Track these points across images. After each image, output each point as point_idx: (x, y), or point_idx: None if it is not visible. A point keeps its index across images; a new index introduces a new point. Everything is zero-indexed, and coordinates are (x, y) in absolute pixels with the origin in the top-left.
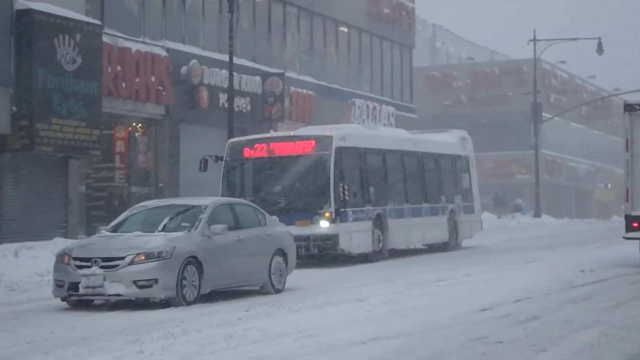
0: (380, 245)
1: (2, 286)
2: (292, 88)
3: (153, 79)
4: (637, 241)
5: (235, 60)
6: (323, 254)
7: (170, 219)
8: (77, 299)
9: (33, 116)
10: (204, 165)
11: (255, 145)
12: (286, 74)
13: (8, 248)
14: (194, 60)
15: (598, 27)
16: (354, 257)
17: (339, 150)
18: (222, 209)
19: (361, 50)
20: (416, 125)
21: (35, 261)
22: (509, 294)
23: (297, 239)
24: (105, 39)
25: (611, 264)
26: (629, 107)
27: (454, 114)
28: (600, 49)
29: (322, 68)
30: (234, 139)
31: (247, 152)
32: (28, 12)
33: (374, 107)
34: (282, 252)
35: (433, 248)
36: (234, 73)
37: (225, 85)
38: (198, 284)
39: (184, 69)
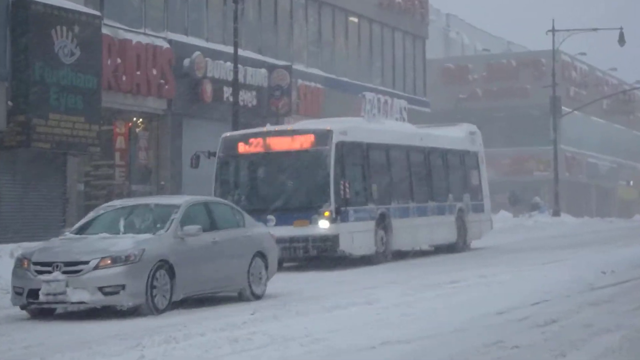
0: (384, 246)
1: None
2: (300, 81)
3: (154, 72)
4: None
5: (240, 52)
6: (323, 256)
7: (140, 219)
8: (37, 307)
9: (30, 111)
10: (195, 161)
11: (251, 140)
12: (293, 67)
13: (4, 249)
14: (197, 53)
15: (619, 17)
16: (356, 259)
17: (340, 145)
18: (197, 209)
19: (372, 41)
20: (429, 120)
21: None
22: (526, 296)
23: (295, 239)
24: (104, 30)
25: (633, 265)
26: None
27: (469, 107)
28: (622, 40)
29: (331, 60)
30: (227, 133)
31: (242, 148)
32: (24, 3)
33: (385, 101)
34: (262, 255)
35: (440, 249)
36: (239, 65)
37: (230, 78)
38: (170, 290)
39: (186, 62)
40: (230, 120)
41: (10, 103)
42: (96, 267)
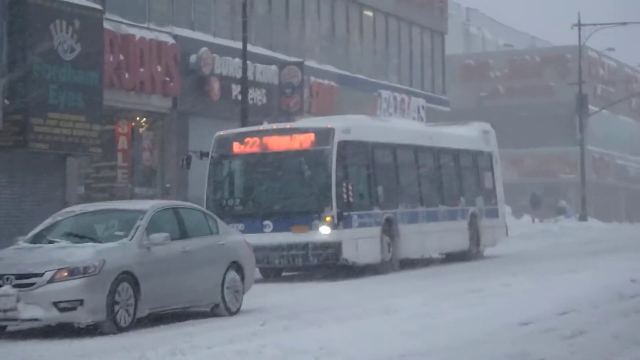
0: (391, 254)
1: None
2: (312, 78)
3: (159, 68)
4: None
5: (250, 48)
6: (323, 265)
7: (102, 226)
8: None
9: (27, 110)
10: (186, 162)
11: (246, 139)
12: (305, 63)
13: None
14: (204, 48)
15: None
16: (360, 268)
17: (342, 144)
18: (165, 215)
19: (388, 36)
20: (449, 119)
21: None
22: (552, 306)
23: (294, 247)
24: (106, 25)
25: None
26: None
27: (491, 106)
28: None
29: (345, 56)
30: (221, 132)
31: (237, 147)
32: None
33: (402, 99)
34: (237, 266)
35: (451, 258)
36: (248, 62)
37: (239, 75)
38: (134, 305)
39: (193, 58)
40: (238, 120)
41: (6, 101)
42: (51, 280)
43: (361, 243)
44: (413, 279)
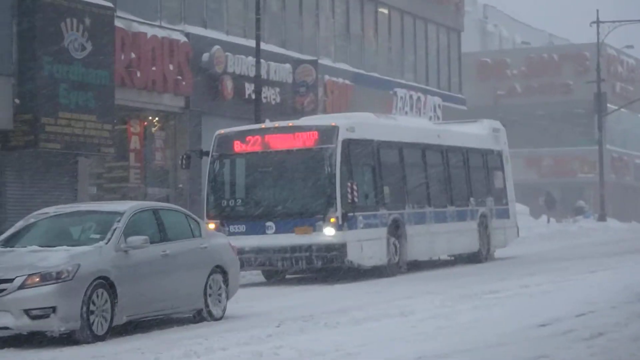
0: (397, 256)
1: None
2: (327, 77)
3: (171, 67)
4: None
5: (263, 46)
6: (328, 267)
7: (77, 229)
8: None
9: (38, 109)
10: (185, 161)
11: (248, 138)
12: (320, 61)
13: None
14: (217, 46)
15: None
16: (366, 270)
17: (347, 142)
18: (144, 217)
19: (404, 34)
20: (465, 118)
21: None
22: (570, 307)
23: (297, 249)
24: (117, 22)
25: None
26: None
27: (508, 104)
28: None
29: (359, 54)
30: (222, 130)
31: (238, 146)
32: None
33: (418, 98)
34: (221, 270)
35: (460, 260)
36: (262, 60)
37: (252, 74)
38: (110, 312)
39: (205, 56)
40: (252, 119)
41: (16, 101)
42: (22, 286)
43: (367, 245)
44: (422, 281)
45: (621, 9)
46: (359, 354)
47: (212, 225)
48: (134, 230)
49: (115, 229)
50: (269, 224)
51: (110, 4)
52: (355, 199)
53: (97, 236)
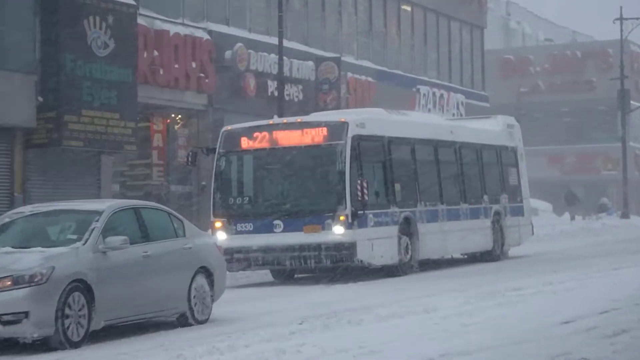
0: (409, 255)
1: None
2: (349, 74)
3: (194, 64)
4: None
5: (286, 43)
6: (337, 267)
7: (53, 229)
8: None
9: (61, 107)
10: (191, 158)
11: (255, 134)
12: (342, 59)
13: None
14: (240, 44)
15: None
16: (377, 270)
17: (357, 139)
18: (124, 216)
19: (426, 31)
20: (488, 115)
21: None
22: (593, 305)
23: (306, 247)
24: (140, 20)
25: None
26: None
27: (531, 101)
28: None
29: (382, 52)
30: (228, 127)
31: (245, 143)
32: None
33: (441, 95)
34: (206, 272)
35: (474, 258)
36: (284, 58)
37: (274, 71)
38: (87, 317)
39: (228, 54)
40: (275, 116)
41: (40, 98)
42: None
43: (377, 243)
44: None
45: None
46: (383, 351)
47: (218, 224)
48: (113, 230)
49: (93, 229)
50: (277, 222)
51: (132, 2)
52: (366, 197)
53: (74, 237)
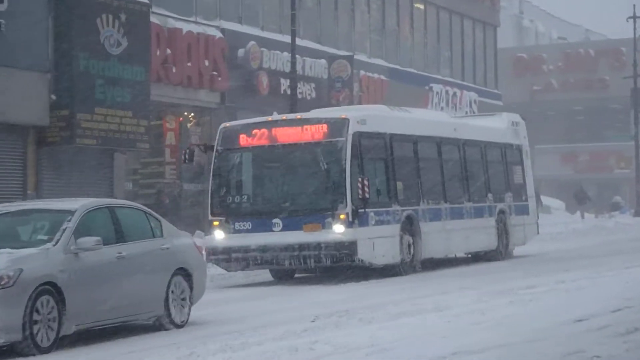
0: (411, 254)
1: None
2: (362, 72)
3: (207, 63)
4: None
5: (298, 41)
6: (338, 266)
7: (23, 230)
8: None
9: (74, 105)
10: (189, 156)
11: (254, 131)
12: (355, 57)
13: None
14: (252, 42)
15: None
16: (378, 269)
17: (358, 135)
18: (98, 215)
19: (439, 29)
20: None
21: None
22: (606, 303)
23: (306, 247)
24: (153, 18)
25: None
26: None
27: (544, 100)
28: None
29: (395, 50)
30: (227, 123)
31: (244, 140)
32: None
33: (454, 93)
34: (185, 273)
35: (478, 258)
36: (297, 56)
37: (287, 69)
38: (57, 321)
39: (241, 52)
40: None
41: (53, 97)
42: None
43: (378, 242)
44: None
45: None
46: (394, 349)
47: (216, 223)
48: (86, 231)
49: (64, 229)
50: (276, 221)
51: (146, 0)
52: (367, 195)
53: (45, 237)
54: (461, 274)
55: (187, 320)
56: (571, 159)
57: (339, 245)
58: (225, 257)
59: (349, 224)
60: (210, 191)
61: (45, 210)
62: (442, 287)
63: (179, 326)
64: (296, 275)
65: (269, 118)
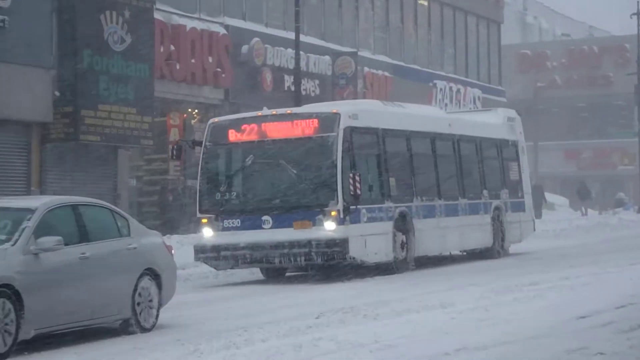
0: (405, 252)
1: None
2: (366, 69)
3: (210, 59)
4: None
5: (302, 38)
6: (329, 264)
7: None
8: None
9: (78, 102)
10: (176, 152)
11: (243, 126)
12: (359, 53)
13: None
14: (256, 39)
15: None
16: (371, 267)
17: (349, 130)
18: (60, 214)
19: (443, 26)
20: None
21: None
22: (610, 300)
23: (296, 244)
24: (157, 15)
25: None
26: None
27: (548, 96)
28: None
29: (399, 46)
30: (215, 119)
31: (233, 135)
32: None
33: (458, 90)
34: (153, 274)
35: (473, 256)
36: (301, 52)
37: (291, 66)
38: (15, 325)
39: (244, 49)
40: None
41: (56, 93)
42: None
43: (371, 240)
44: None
45: None
46: (399, 346)
47: (205, 220)
48: (47, 230)
49: (24, 229)
50: (265, 218)
51: None
52: (358, 191)
53: (3, 237)
54: (457, 272)
55: (156, 323)
56: (575, 156)
57: (330, 243)
58: (214, 256)
59: (340, 221)
60: (198, 188)
61: (4, 208)
62: (440, 285)
63: (146, 330)
64: (287, 274)
65: (259, 113)
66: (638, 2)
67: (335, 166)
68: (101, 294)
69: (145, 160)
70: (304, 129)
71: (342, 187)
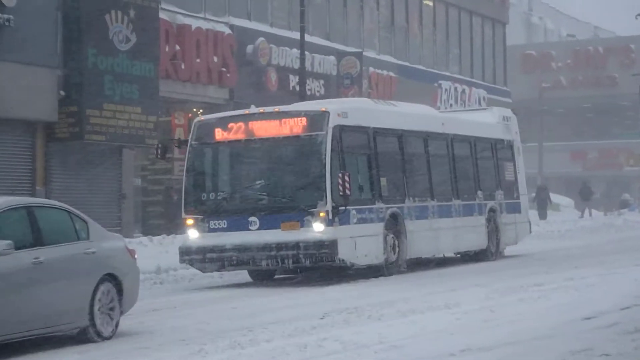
0: (396, 254)
1: None
2: (371, 69)
3: (215, 59)
4: None
5: (307, 38)
6: (317, 266)
7: None
8: None
9: (83, 101)
10: (161, 151)
11: (230, 125)
12: (364, 54)
13: None
14: (261, 39)
15: None
16: (361, 270)
17: (339, 129)
18: (12, 216)
19: (448, 26)
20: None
21: None
22: (615, 301)
23: (284, 246)
24: (162, 14)
25: None
26: None
27: (553, 97)
28: None
29: (404, 47)
30: (202, 117)
31: (219, 134)
32: None
33: (463, 90)
34: (113, 279)
35: (467, 258)
36: (306, 52)
37: (296, 66)
38: None
39: (249, 48)
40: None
41: (62, 93)
42: None
43: (361, 241)
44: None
45: None
46: (404, 347)
47: (190, 221)
48: None
49: None
50: (252, 219)
51: None
52: (348, 192)
53: None
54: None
55: (116, 331)
56: (580, 157)
57: (318, 245)
58: (200, 258)
59: (329, 222)
60: (183, 188)
61: None
62: (440, 286)
63: (105, 338)
64: (276, 277)
65: (246, 111)
66: None
67: (324, 166)
68: (56, 301)
69: (150, 160)
70: (292, 127)
71: (331, 188)
